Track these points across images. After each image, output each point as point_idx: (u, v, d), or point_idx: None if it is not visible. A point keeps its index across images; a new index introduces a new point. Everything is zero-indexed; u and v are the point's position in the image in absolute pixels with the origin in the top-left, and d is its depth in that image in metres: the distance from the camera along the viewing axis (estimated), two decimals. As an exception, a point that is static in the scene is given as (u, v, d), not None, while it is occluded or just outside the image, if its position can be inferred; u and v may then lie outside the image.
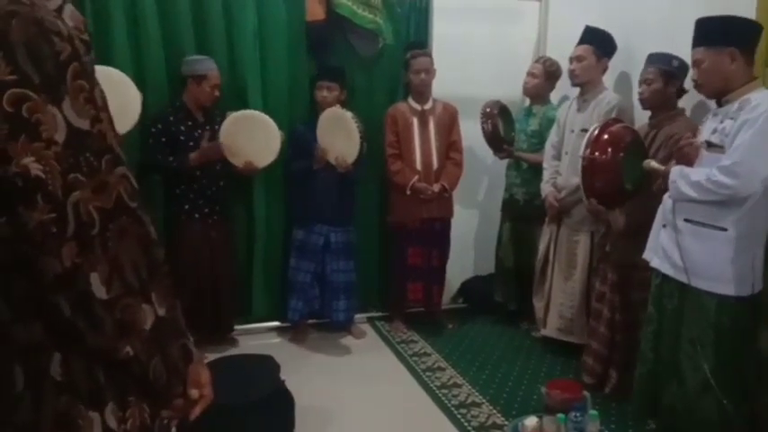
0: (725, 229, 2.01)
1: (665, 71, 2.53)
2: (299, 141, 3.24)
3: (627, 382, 2.56)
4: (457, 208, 3.59)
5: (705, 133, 2.09)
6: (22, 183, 0.69)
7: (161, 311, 0.81)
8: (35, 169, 0.69)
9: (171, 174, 3.00)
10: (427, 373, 3.04)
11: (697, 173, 2.02)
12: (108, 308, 0.75)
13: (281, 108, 3.29)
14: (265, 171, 3.20)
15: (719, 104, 2.09)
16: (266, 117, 3.06)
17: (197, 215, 3.04)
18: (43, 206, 0.70)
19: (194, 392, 0.91)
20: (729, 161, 1.93)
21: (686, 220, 2.11)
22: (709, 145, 2.04)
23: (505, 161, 3.60)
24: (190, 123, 3.02)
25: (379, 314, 3.75)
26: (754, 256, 2.03)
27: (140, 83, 2.90)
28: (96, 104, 0.77)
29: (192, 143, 2.99)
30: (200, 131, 3.02)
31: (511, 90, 3.61)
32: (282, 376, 2.28)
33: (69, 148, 0.72)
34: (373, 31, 3.36)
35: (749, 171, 1.91)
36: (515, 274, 3.59)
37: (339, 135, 3.06)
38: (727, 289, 2.03)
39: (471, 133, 3.50)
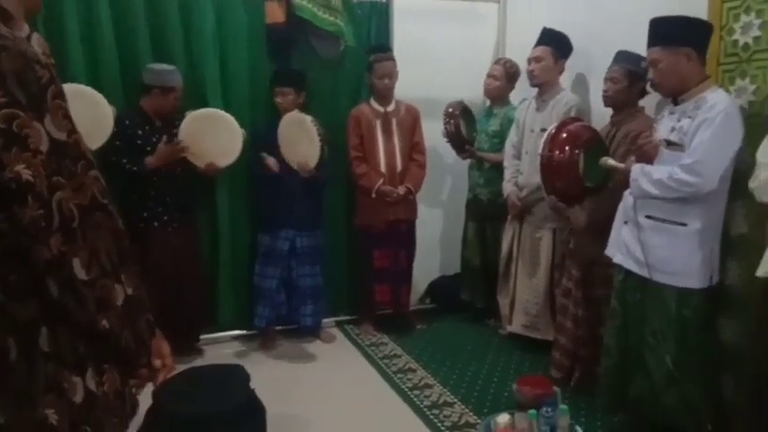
0: (685, 225, 2.08)
1: (632, 71, 2.56)
2: (262, 144, 3.19)
3: (589, 376, 2.62)
4: (421, 208, 3.61)
5: (663, 131, 2.15)
6: (16, 186, 0.83)
7: (129, 290, 0.97)
8: (26, 174, 0.84)
9: (127, 178, 2.90)
10: (398, 375, 3.04)
11: (659, 171, 2.07)
12: (88, 287, 0.90)
13: (243, 111, 3.23)
14: (228, 172, 3.14)
15: (675, 103, 2.15)
16: (227, 115, 3.01)
17: (156, 223, 2.96)
18: (33, 204, 0.84)
19: (157, 362, 1.07)
20: (691, 159, 1.99)
21: (647, 217, 2.17)
22: (669, 143, 2.09)
23: (468, 161, 3.64)
24: (147, 128, 2.95)
25: (348, 318, 3.73)
26: (712, 248, 2.11)
27: (95, 87, 2.80)
28: (70, 119, 0.91)
29: (149, 148, 2.91)
30: (157, 136, 2.95)
31: (471, 91, 3.64)
32: (252, 385, 2.23)
33: (52, 156, 0.87)
34: (334, 34, 3.34)
35: (710, 169, 1.98)
36: (482, 273, 3.63)
37: (300, 140, 3.02)
38: (688, 282, 2.10)
39: (433, 134, 3.52)
